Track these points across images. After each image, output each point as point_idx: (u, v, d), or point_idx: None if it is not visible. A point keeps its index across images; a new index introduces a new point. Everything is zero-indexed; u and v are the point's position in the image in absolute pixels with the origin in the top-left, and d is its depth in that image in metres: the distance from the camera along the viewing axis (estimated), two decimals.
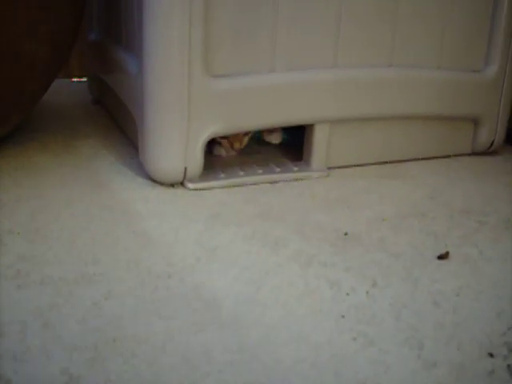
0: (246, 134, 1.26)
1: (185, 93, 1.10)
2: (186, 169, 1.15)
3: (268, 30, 1.15)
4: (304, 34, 1.19)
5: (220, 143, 1.27)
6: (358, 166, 1.32)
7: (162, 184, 1.17)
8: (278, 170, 1.24)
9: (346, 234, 1.03)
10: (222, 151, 1.29)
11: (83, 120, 1.57)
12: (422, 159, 1.40)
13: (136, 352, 0.72)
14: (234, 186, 1.18)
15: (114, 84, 1.42)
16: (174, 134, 1.12)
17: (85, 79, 1.78)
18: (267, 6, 1.13)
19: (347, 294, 0.85)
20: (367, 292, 0.86)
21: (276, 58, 1.18)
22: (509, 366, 0.73)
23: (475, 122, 1.43)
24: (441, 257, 0.98)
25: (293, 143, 1.33)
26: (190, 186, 1.16)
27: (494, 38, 1.37)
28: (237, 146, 1.27)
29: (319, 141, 1.26)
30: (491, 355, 0.75)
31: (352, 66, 1.26)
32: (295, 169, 1.25)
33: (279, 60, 1.18)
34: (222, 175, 1.20)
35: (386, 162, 1.36)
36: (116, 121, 1.52)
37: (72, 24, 1.29)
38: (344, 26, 1.21)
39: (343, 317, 0.80)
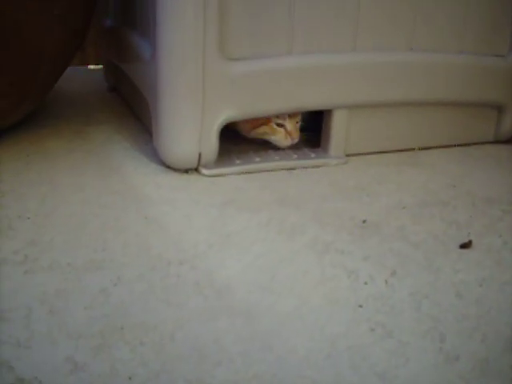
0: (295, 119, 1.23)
1: (199, 77, 1.07)
2: (200, 154, 1.12)
3: (285, 11, 1.12)
4: (322, 16, 1.15)
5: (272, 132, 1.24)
6: (377, 153, 1.28)
7: (176, 170, 1.14)
8: (295, 156, 1.20)
9: (364, 221, 0.99)
10: (281, 140, 1.23)
11: (98, 107, 1.54)
12: (443, 147, 1.36)
13: (144, 340, 0.69)
14: (250, 172, 1.15)
15: (128, 70, 1.39)
16: (188, 118, 1.09)
17: (101, 66, 1.75)
18: None
19: (365, 283, 0.82)
20: (386, 281, 0.82)
21: (293, 41, 1.15)
22: None
23: (499, 109, 1.39)
24: (463, 246, 0.94)
25: (311, 129, 1.30)
26: (205, 172, 1.13)
27: None
28: (295, 135, 1.22)
29: (337, 127, 1.22)
30: None
31: (371, 49, 1.22)
32: (313, 155, 1.21)
33: (297, 42, 1.15)
34: (238, 161, 1.17)
35: (407, 150, 1.32)
36: (131, 108, 1.49)
37: (85, 10, 1.26)
38: (363, 8, 1.17)
39: (361, 306, 0.76)
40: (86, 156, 1.20)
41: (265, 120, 1.19)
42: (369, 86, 1.22)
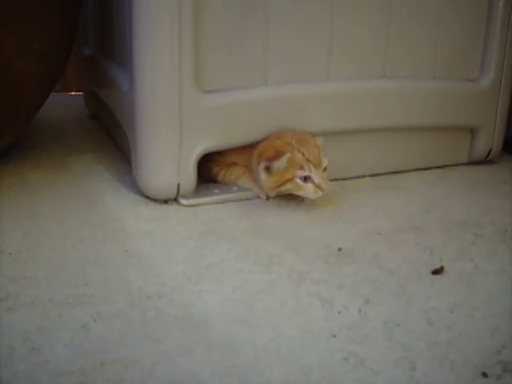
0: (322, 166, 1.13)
1: (176, 109, 1.10)
2: (178, 185, 1.14)
3: (260, 43, 1.15)
4: (296, 47, 1.18)
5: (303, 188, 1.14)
6: (353, 178, 1.31)
7: (155, 200, 1.16)
8: None
9: (339, 249, 1.02)
10: (309, 194, 1.14)
11: (79, 136, 1.56)
12: (418, 170, 1.39)
13: (123, 376, 0.71)
14: (228, 201, 1.17)
15: (107, 99, 1.41)
16: (166, 150, 1.12)
17: (82, 93, 1.77)
18: (258, 20, 1.13)
19: (339, 312, 0.84)
20: (359, 310, 0.85)
21: (268, 72, 1.18)
22: None
23: (472, 131, 1.42)
24: (435, 272, 0.97)
25: None
26: (184, 202, 1.15)
27: (488, 47, 1.37)
28: (324, 186, 1.12)
29: None
30: (485, 375, 0.73)
31: (345, 78, 1.25)
32: None
33: (271, 73, 1.18)
34: (216, 191, 1.19)
35: (382, 174, 1.35)
36: (111, 136, 1.52)
37: (65, 42, 1.29)
38: (336, 38, 1.20)
39: (334, 336, 0.79)
40: (68, 188, 1.22)
41: (289, 176, 1.11)
42: (343, 113, 1.25)
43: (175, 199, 1.15)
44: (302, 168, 1.11)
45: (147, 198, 1.16)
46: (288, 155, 1.11)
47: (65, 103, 1.85)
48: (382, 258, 0.99)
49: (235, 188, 1.20)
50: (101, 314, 0.82)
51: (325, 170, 1.14)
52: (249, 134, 1.17)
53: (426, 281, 0.93)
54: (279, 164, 1.11)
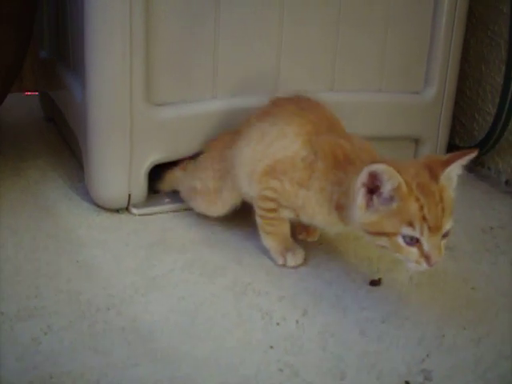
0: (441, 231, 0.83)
1: (127, 122, 1.14)
2: (130, 195, 1.18)
3: (209, 58, 1.19)
4: (245, 62, 1.23)
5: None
6: None
7: (107, 210, 1.19)
8: None
9: None
10: (411, 266, 0.85)
11: (34, 139, 1.58)
12: None
13: None
14: (179, 210, 1.21)
15: (62, 106, 1.44)
16: (117, 161, 1.16)
17: (38, 93, 1.78)
18: (208, 35, 1.17)
19: (278, 323, 0.90)
20: (297, 321, 0.90)
21: (217, 85, 1.22)
22: None
23: (416, 141, 1.48)
24: (373, 283, 1.03)
25: None
26: (135, 211, 1.19)
27: (432, 60, 1.43)
28: (436, 258, 0.83)
29: None
30: (407, 383, 0.80)
31: (293, 91, 1.29)
32: None
33: (221, 87, 1.22)
34: (167, 200, 1.24)
35: None
36: (66, 140, 1.54)
37: (18, 46, 1.29)
38: (284, 53, 1.25)
39: (272, 348, 0.84)
40: (21, 196, 1.24)
41: (391, 230, 0.82)
42: None
43: (127, 209, 1.19)
44: (410, 224, 0.82)
45: (100, 207, 1.19)
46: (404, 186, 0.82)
47: (20, 104, 1.86)
48: (323, 268, 1.05)
49: None
50: (51, 327, 0.86)
51: (446, 235, 0.84)
52: (198, 146, 1.21)
53: (362, 292, 0.99)
54: (391, 186, 0.82)
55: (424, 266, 0.83)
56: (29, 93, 2.03)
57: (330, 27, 1.29)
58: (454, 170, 0.86)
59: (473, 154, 0.85)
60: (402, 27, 1.37)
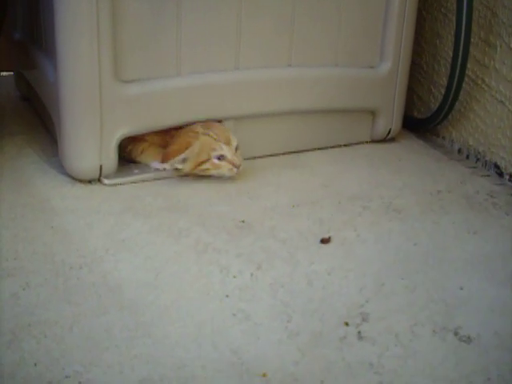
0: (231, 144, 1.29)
1: (97, 99, 1.22)
2: (101, 166, 1.27)
3: (173, 37, 1.28)
4: (207, 40, 1.31)
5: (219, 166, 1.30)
6: (264, 157, 1.45)
7: (80, 181, 1.28)
8: None
9: (242, 221, 1.17)
10: (225, 173, 1.31)
11: (10, 117, 1.66)
12: (324, 148, 1.54)
13: (47, 334, 0.85)
14: (147, 180, 1.31)
15: (35, 85, 1.52)
16: (89, 136, 1.24)
17: (13, 74, 1.85)
18: (171, 13, 1.25)
19: (234, 276, 1.00)
20: (252, 274, 1.01)
21: (181, 63, 1.31)
22: (359, 332, 0.89)
23: (373, 113, 1.58)
24: (323, 241, 1.13)
25: None
26: (106, 181, 1.28)
27: (386, 36, 1.52)
28: (238, 162, 1.28)
29: None
30: (347, 324, 0.90)
31: (253, 67, 1.39)
32: None
33: (184, 64, 1.31)
34: (136, 171, 1.33)
35: (291, 153, 1.50)
36: (41, 118, 1.62)
37: None
38: (244, 30, 1.34)
39: (227, 297, 0.94)
40: None
41: (204, 158, 1.26)
42: (252, 99, 1.39)
43: (99, 179, 1.28)
44: (214, 149, 1.26)
45: (73, 178, 1.28)
46: (196, 144, 1.26)
47: None
48: (278, 229, 1.15)
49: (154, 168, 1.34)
50: (29, 284, 0.95)
51: (237, 149, 1.28)
52: (164, 121, 1.31)
53: (313, 248, 1.09)
54: (188, 154, 1.26)
55: (234, 170, 1.27)
56: (4, 73, 2.08)
57: (286, 5, 1.38)
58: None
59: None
60: (356, 3, 1.45)
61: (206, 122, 1.32)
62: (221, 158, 1.27)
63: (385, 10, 1.50)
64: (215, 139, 1.27)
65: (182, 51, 1.30)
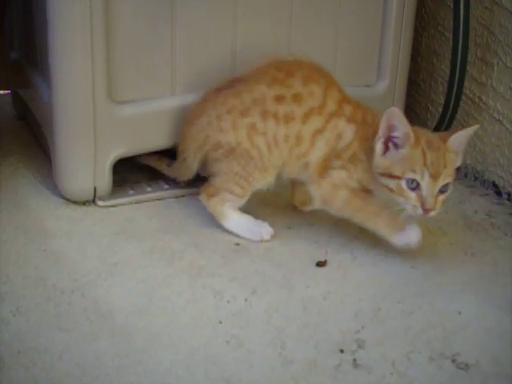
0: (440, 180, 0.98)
1: (90, 120, 1.21)
2: (95, 188, 1.26)
3: (168, 56, 1.27)
4: (202, 59, 1.31)
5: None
6: None
7: (74, 202, 1.27)
8: (183, 184, 1.35)
9: (237, 244, 1.16)
10: (407, 209, 1.01)
11: (5, 137, 1.65)
12: None
13: (36, 362, 0.84)
14: (142, 201, 1.30)
15: (31, 105, 1.51)
16: (83, 157, 1.23)
17: (10, 92, 1.84)
18: (165, 33, 1.24)
19: (228, 301, 0.98)
20: (246, 299, 0.99)
21: (176, 83, 1.30)
22: (355, 359, 0.87)
23: None
24: (319, 264, 1.12)
25: None
26: (100, 203, 1.27)
27: (383, 54, 1.52)
28: (429, 206, 0.98)
29: None
30: (341, 351, 0.89)
31: None
32: (195, 184, 1.36)
33: (179, 84, 1.30)
34: (131, 192, 1.32)
35: None
36: (37, 138, 1.61)
37: None
38: (240, 49, 1.33)
39: (220, 323, 0.93)
40: None
41: (397, 173, 0.98)
42: None
43: (93, 201, 1.27)
44: (413, 170, 0.97)
45: (67, 200, 1.27)
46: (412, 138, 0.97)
47: None
48: (274, 252, 1.13)
49: (149, 189, 1.32)
50: (19, 309, 0.94)
51: (444, 191, 0.99)
52: (160, 140, 1.30)
53: (309, 272, 1.08)
54: (403, 130, 0.99)
55: (419, 210, 0.97)
56: (1, 92, 2.08)
57: (283, 22, 1.37)
58: (459, 139, 1.02)
59: (475, 128, 1.03)
60: (352, 22, 1.45)
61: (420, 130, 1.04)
62: (414, 186, 0.99)
63: (381, 29, 1.50)
64: (424, 162, 0.97)
65: (177, 70, 1.29)
